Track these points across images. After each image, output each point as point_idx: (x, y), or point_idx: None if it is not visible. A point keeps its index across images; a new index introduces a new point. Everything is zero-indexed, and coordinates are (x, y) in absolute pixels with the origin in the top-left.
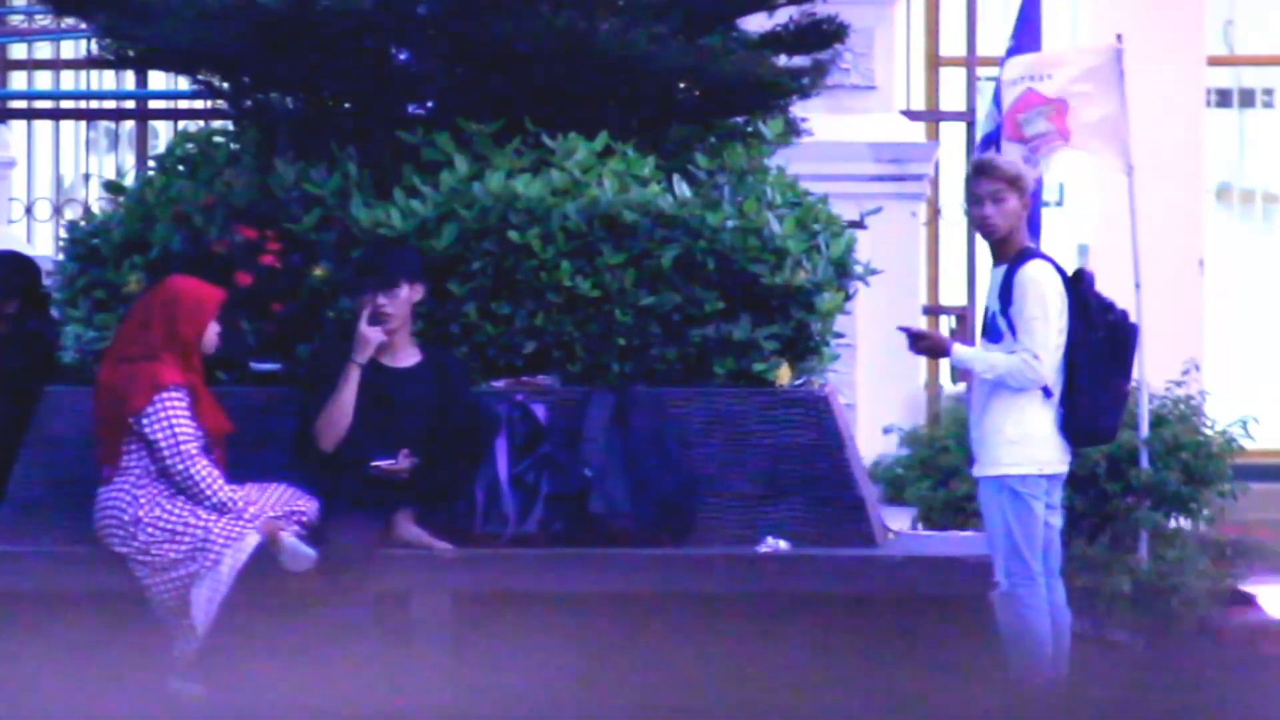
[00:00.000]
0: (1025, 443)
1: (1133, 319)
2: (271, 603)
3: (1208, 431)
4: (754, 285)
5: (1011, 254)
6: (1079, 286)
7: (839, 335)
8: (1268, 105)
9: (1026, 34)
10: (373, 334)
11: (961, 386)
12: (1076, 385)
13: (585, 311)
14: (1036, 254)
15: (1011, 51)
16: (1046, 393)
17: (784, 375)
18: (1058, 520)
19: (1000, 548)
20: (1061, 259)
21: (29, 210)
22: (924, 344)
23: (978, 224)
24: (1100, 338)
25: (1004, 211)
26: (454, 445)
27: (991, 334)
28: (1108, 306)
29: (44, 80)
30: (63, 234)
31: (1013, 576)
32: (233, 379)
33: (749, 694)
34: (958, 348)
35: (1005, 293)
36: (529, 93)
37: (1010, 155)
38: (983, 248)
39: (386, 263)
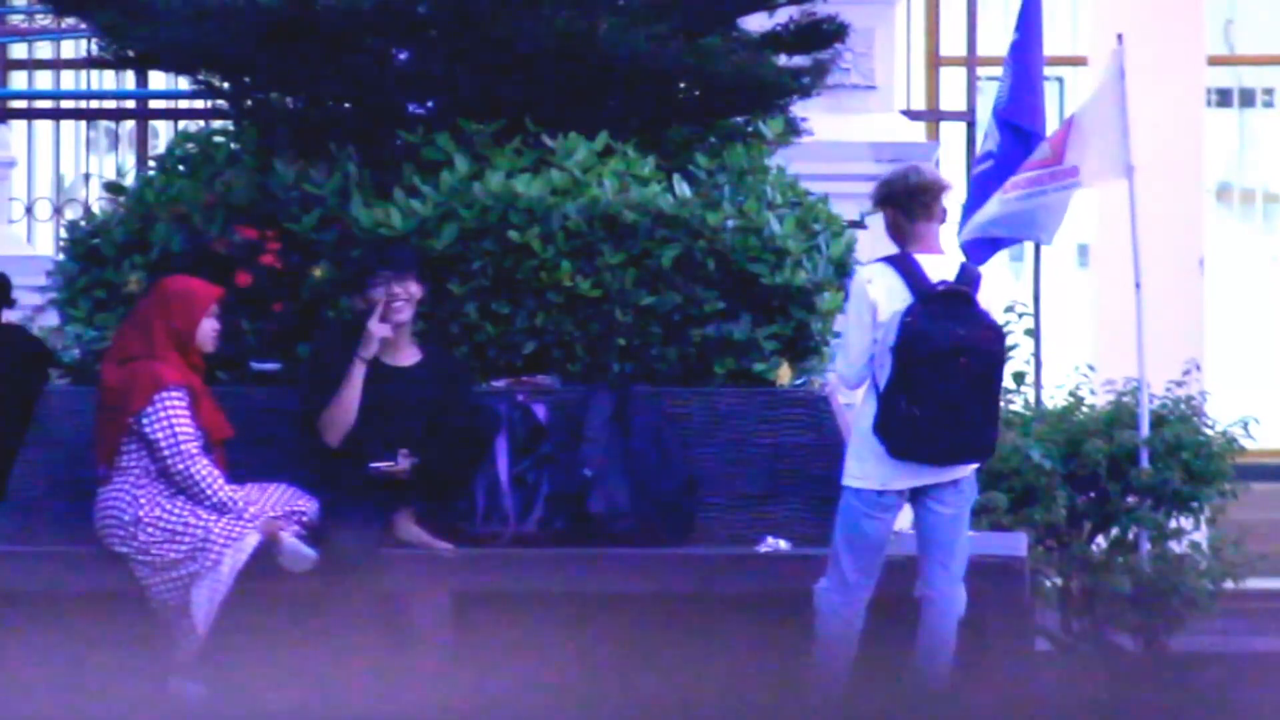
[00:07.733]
0: (856, 458)
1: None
2: (271, 603)
3: (1208, 432)
4: (754, 285)
5: None
6: None
7: (839, 335)
8: (1268, 105)
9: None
10: (380, 330)
11: None
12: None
13: (585, 311)
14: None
15: (1014, 48)
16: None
17: (784, 375)
18: (945, 510)
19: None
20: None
21: (29, 210)
22: None
23: None
24: None
25: None
26: (454, 445)
27: None
28: None
29: (44, 80)
30: (63, 234)
31: (825, 578)
32: (233, 379)
33: (749, 694)
34: None
35: None
36: (529, 93)
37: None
38: None
39: (399, 255)
